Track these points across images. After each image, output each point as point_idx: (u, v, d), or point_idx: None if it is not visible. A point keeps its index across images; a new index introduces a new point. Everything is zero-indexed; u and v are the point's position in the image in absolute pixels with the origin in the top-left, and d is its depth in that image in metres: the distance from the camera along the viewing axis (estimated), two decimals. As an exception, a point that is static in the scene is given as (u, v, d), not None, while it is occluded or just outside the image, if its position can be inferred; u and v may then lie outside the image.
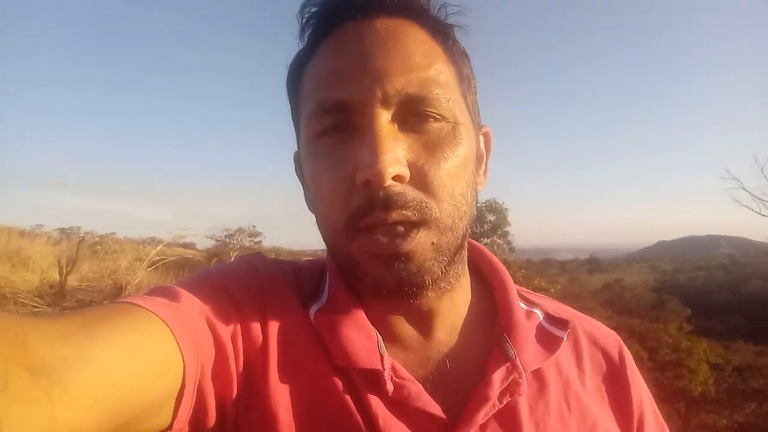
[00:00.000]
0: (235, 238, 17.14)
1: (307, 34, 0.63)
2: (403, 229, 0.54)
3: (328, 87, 0.57)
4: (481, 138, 0.69)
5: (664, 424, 0.72)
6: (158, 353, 0.47)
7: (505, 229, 12.97)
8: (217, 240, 17.04)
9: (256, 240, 17.59)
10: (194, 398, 0.50)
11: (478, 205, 0.68)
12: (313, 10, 0.61)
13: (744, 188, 9.44)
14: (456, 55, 0.63)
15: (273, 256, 0.72)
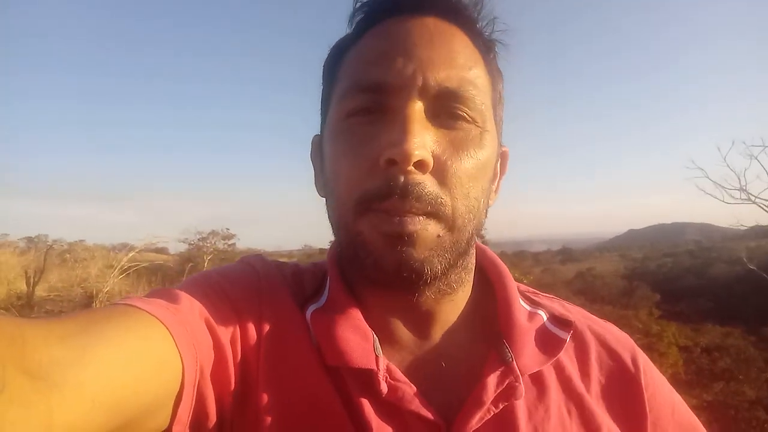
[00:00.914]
0: (208, 241, 16.86)
1: (356, 19, 0.64)
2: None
3: (370, 66, 0.59)
4: (499, 156, 0.69)
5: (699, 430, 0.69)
6: (157, 355, 0.47)
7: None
8: (190, 244, 16.75)
9: (230, 242, 17.32)
10: (194, 400, 0.50)
11: None
12: None
13: (708, 177, 9.71)
14: (494, 69, 0.65)
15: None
